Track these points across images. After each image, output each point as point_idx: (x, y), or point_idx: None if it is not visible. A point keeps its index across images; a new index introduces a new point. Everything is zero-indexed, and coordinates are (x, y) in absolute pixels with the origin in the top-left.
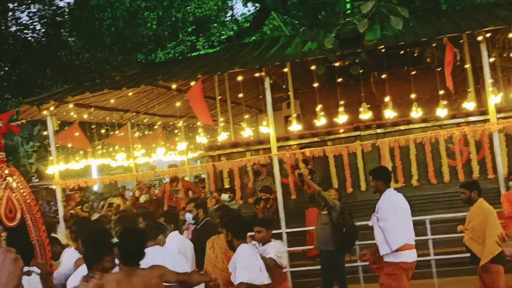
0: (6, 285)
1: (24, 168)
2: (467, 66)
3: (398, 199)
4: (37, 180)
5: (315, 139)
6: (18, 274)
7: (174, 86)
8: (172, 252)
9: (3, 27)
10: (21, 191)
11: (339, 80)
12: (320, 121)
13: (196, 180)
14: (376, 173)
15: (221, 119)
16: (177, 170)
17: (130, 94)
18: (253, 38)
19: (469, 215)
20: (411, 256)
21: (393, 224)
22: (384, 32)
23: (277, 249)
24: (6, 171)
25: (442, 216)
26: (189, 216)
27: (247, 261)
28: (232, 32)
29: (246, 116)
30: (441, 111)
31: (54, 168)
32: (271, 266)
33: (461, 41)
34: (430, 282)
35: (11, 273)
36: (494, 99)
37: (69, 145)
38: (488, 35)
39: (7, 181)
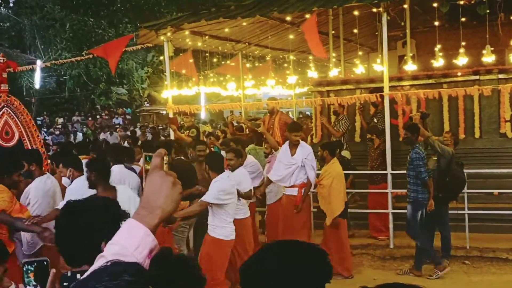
0: (162, 209)
1: (137, 92)
2: None
3: None
4: (148, 104)
5: (430, 81)
6: (176, 199)
7: (288, 18)
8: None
9: None
10: (21, 117)
11: (462, 20)
12: (438, 62)
13: (300, 116)
14: None
15: (333, 54)
16: (281, 102)
17: (244, 24)
18: None
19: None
20: None
21: None
22: None
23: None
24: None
25: None
26: None
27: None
28: None
29: (360, 53)
30: None
31: (168, 92)
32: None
33: None
34: None
35: (168, 196)
36: None
37: (183, 71)
38: None
39: (5, 109)
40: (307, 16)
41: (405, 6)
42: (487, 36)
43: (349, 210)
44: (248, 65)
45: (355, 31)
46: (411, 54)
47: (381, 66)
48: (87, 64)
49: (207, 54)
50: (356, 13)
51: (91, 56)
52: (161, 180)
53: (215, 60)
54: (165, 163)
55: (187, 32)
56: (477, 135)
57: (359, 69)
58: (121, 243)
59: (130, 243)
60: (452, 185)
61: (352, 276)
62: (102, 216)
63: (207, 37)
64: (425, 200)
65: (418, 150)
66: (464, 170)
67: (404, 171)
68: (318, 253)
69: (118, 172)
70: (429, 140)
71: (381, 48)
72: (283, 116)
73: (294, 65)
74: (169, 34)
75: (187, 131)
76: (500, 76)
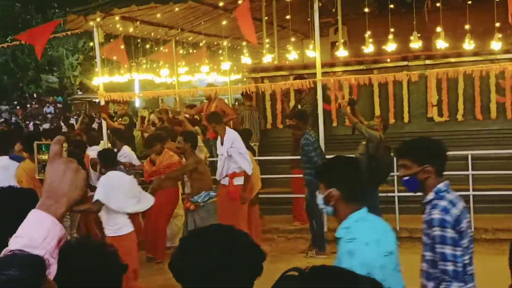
0: (68, 196)
1: (68, 80)
2: None
3: None
4: (81, 93)
5: (361, 67)
6: (80, 185)
7: (221, 4)
8: None
9: None
10: None
11: (391, 7)
12: (368, 49)
13: (236, 102)
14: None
15: (267, 40)
16: (217, 89)
17: (177, 9)
18: None
19: None
20: None
21: None
22: None
23: None
24: None
25: (485, 152)
26: None
27: None
28: None
29: (292, 39)
30: (495, 45)
31: (99, 80)
32: None
33: None
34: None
35: (73, 183)
36: None
37: (114, 58)
38: None
39: None
40: (240, 1)
41: None
42: (415, 23)
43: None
44: (182, 51)
45: (288, 17)
46: (342, 41)
47: (314, 52)
48: (15, 51)
49: (139, 40)
50: None
51: (18, 42)
52: (64, 167)
53: (148, 46)
54: (64, 150)
55: (117, 18)
56: (406, 119)
57: (293, 56)
58: (28, 235)
59: (39, 234)
60: (379, 169)
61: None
62: (7, 208)
63: (138, 22)
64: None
65: (307, 136)
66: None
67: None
68: (242, 239)
69: None
70: (357, 126)
71: (313, 35)
72: (220, 103)
73: (228, 52)
74: (98, 19)
75: (119, 119)
76: (427, 62)
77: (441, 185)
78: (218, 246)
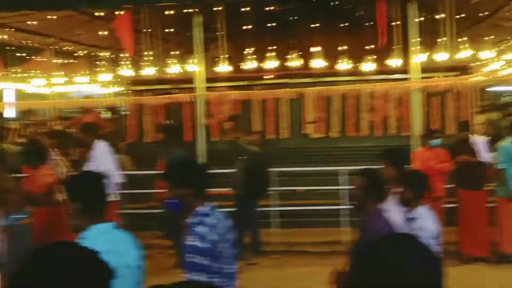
0: None
1: None
2: (396, 23)
3: None
4: None
5: (242, 82)
6: None
7: (98, 14)
8: None
9: None
10: None
11: (271, 25)
12: (249, 65)
13: (115, 115)
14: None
15: (146, 52)
16: (94, 101)
17: (54, 17)
18: None
19: None
20: None
21: None
22: None
23: None
24: None
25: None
26: None
27: None
28: None
29: (173, 53)
30: (367, 66)
31: None
32: None
33: None
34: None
35: None
36: (417, 58)
37: None
38: None
39: None
40: (118, 13)
41: (219, 8)
42: (294, 42)
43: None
44: (59, 61)
45: (171, 30)
46: (225, 56)
47: (195, 67)
48: None
49: (13, 48)
50: (171, 12)
51: None
52: None
53: (23, 54)
54: None
55: None
56: (284, 135)
57: (176, 69)
58: None
59: None
60: (257, 183)
61: None
62: None
63: (12, 29)
64: None
65: (172, 151)
66: (271, 169)
67: (216, 171)
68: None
69: None
70: (236, 141)
71: (195, 49)
72: (95, 115)
73: (109, 63)
74: None
75: None
76: (305, 80)
77: (201, 208)
78: (60, 265)
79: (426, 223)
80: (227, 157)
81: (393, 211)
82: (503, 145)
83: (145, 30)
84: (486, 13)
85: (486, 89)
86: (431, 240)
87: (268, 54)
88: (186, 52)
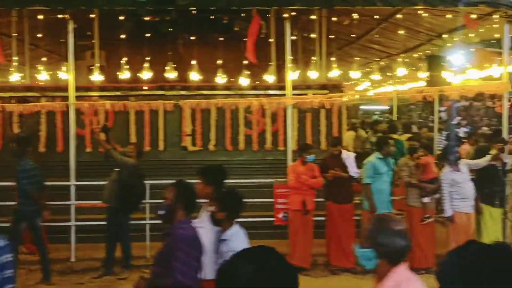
0: None
1: None
2: (272, 40)
3: None
4: None
5: (118, 93)
6: None
7: None
8: None
9: None
10: None
11: (147, 35)
12: (125, 75)
13: None
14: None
15: (16, 58)
16: None
17: None
18: None
19: None
20: None
21: None
22: None
23: None
24: None
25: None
26: None
27: None
28: None
29: (44, 59)
30: (243, 81)
31: None
32: None
33: (268, 15)
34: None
35: None
36: (291, 75)
37: None
38: (293, 13)
39: None
40: None
41: (93, 15)
42: (171, 53)
43: None
44: None
45: (41, 36)
46: (98, 65)
47: (68, 75)
48: None
49: None
50: (41, 17)
51: None
52: None
53: None
54: None
55: None
56: (161, 147)
57: (46, 76)
58: None
59: None
60: (131, 196)
61: None
62: None
63: None
64: (33, 212)
65: (23, 162)
66: (147, 181)
67: (88, 182)
68: None
69: None
70: (110, 152)
71: (68, 57)
72: None
73: None
74: None
75: None
76: (182, 92)
77: None
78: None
79: (237, 245)
80: (99, 168)
81: (205, 228)
82: (370, 160)
83: (15, 35)
84: (355, 35)
85: (360, 107)
86: None
87: (144, 65)
88: (59, 60)
